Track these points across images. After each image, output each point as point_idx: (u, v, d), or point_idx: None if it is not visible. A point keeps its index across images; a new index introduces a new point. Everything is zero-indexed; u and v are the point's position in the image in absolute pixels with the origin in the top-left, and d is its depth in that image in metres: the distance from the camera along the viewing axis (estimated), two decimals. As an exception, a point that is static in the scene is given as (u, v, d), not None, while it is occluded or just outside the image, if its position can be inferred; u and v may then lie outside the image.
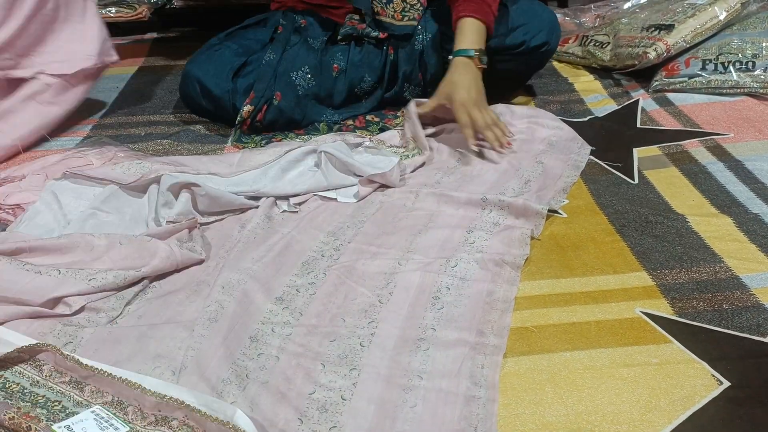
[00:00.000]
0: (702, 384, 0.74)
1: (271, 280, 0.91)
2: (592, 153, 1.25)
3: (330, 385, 0.75)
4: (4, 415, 0.66)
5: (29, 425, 0.66)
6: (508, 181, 1.14)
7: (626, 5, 1.75)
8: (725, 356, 0.77)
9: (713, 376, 0.75)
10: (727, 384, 0.73)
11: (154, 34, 2.04)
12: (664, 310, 0.85)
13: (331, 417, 0.71)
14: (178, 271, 0.95)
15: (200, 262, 0.96)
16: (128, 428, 0.67)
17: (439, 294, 0.88)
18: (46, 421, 0.68)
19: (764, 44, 1.43)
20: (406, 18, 1.39)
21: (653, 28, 1.53)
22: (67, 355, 0.74)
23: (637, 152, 1.25)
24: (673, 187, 1.13)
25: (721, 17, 1.49)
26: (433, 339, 0.80)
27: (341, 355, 0.79)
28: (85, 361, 0.74)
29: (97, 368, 0.73)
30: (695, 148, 1.25)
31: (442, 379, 0.75)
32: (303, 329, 0.83)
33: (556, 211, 1.07)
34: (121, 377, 0.72)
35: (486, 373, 0.75)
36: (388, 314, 0.85)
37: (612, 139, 1.31)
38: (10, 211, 1.07)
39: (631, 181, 1.16)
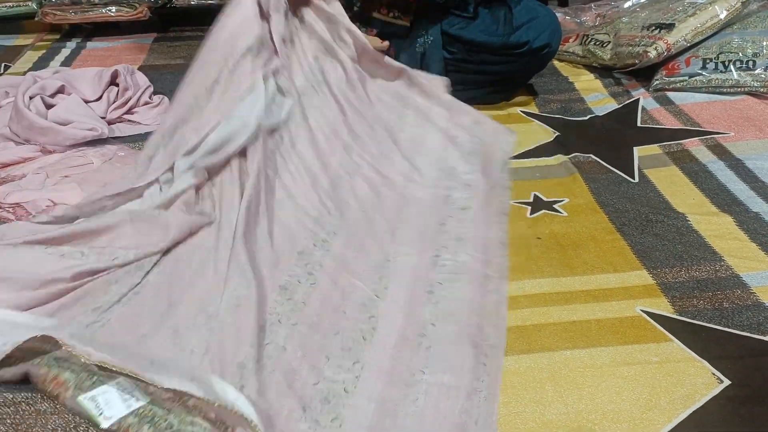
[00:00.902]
0: (702, 382, 0.74)
1: (273, 269, 0.92)
2: (592, 152, 1.24)
3: (334, 377, 0.75)
4: (38, 371, 0.69)
5: (58, 392, 0.68)
6: (450, 152, 1.17)
7: (627, 4, 1.75)
8: (725, 355, 0.77)
9: (713, 374, 0.74)
10: (727, 382, 0.73)
11: (155, 34, 2.04)
12: (665, 308, 0.85)
13: (334, 408, 0.71)
14: (190, 236, 0.97)
15: (211, 223, 0.98)
16: (148, 400, 0.68)
17: (433, 289, 0.89)
18: (74, 389, 0.70)
19: (765, 43, 1.43)
20: (391, 15, 1.39)
21: (654, 27, 1.53)
22: (82, 356, 0.74)
23: (638, 151, 1.25)
24: (674, 186, 1.13)
25: (722, 16, 1.49)
26: (434, 335, 0.81)
27: (344, 347, 0.79)
28: (98, 355, 0.73)
29: (108, 367, 0.73)
30: (696, 147, 1.24)
31: (444, 374, 0.75)
32: (308, 320, 0.84)
33: (556, 210, 1.07)
34: (134, 372, 0.71)
35: (488, 368, 0.76)
36: (387, 310, 0.85)
37: (612, 138, 1.31)
38: (10, 210, 1.07)
39: (632, 180, 1.15)
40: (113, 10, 1.97)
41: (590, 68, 1.65)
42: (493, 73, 1.42)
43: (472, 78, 1.44)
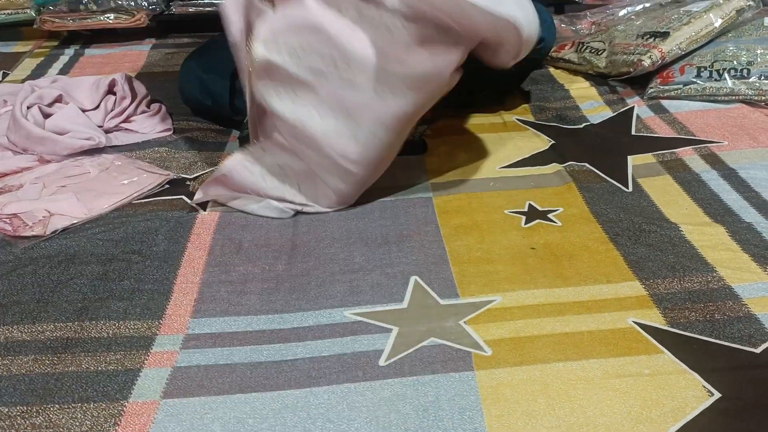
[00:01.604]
0: (693, 395, 0.74)
1: None
2: (587, 161, 1.25)
3: None
4: None
5: None
6: None
7: (622, 12, 1.75)
8: (717, 367, 0.78)
9: (704, 387, 0.75)
10: (718, 395, 0.74)
11: (153, 41, 2.05)
12: (657, 320, 0.86)
13: None
14: None
15: None
16: None
17: None
18: None
19: (759, 51, 1.44)
20: None
21: (648, 36, 1.53)
22: None
23: (632, 160, 1.25)
24: (667, 195, 1.14)
25: (716, 24, 1.49)
26: None
27: None
28: None
29: None
30: (689, 156, 1.25)
31: None
32: None
33: (550, 219, 1.08)
34: None
35: None
36: None
37: (607, 146, 1.31)
38: (7, 220, 1.07)
39: (626, 189, 1.16)
40: (111, 18, 1.98)
41: (585, 76, 1.66)
42: (489, 72, 1.43)
43: (468, 79, 1.45)
